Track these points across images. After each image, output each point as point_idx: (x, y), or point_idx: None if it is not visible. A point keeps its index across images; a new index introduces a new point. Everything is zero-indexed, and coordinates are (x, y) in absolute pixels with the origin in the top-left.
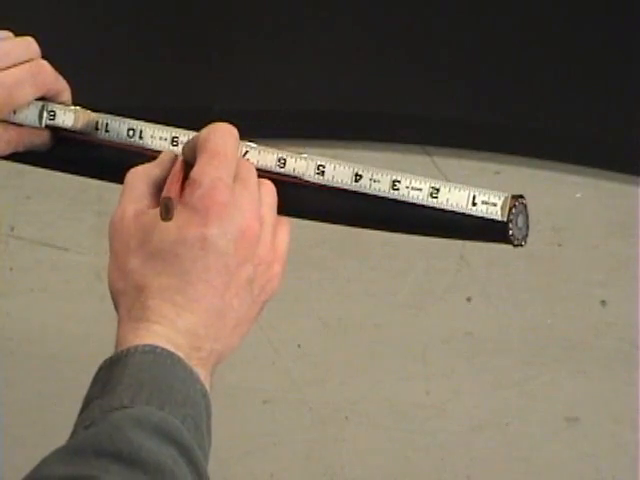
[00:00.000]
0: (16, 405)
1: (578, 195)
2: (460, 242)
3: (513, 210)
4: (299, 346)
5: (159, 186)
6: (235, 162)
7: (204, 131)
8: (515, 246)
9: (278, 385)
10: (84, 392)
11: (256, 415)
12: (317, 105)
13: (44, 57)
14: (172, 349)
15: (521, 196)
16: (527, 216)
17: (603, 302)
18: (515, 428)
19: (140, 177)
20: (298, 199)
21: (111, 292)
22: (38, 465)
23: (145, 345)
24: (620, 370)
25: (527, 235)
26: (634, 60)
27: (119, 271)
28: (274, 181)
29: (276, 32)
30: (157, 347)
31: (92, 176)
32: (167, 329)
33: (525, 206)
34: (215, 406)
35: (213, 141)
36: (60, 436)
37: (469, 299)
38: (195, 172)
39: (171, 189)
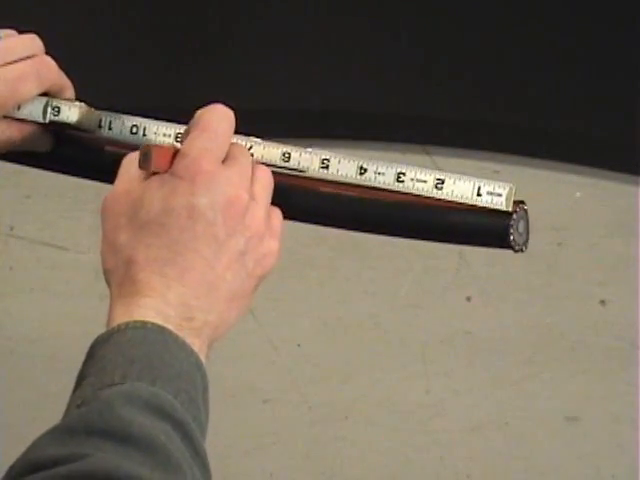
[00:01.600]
0: (16, 405)
1: (578, 194)
2: None
3: (514, 216)
4: (299, 346)
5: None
6: (227, 140)
7: (199, 111)
8: (516, 251)
9: (278, 384)
10: None
11: (256, 415)
12: (317, 105)
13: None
14: (162, 322)
15: (522, 202)
16: (528, 222)
17: (603, 301)
18: (515, 427)
19: (135, 161)
20: (298, 202)
21: (103, 272)
22: (30, 446)
23: (136, 321)
24: (620, 369)
25: (527, 241)
26: (634, 60)
27: (110, 248)
28: (276, 185)
29: (276, 32)
30: (148, 322)
31: (92, 178)
32: (157, 302)
33: (526, 212)
34: (215, 406)
35: (205, 118)
36: None
37: (469, 298)
38: (184, 145)
39: (156, 146)
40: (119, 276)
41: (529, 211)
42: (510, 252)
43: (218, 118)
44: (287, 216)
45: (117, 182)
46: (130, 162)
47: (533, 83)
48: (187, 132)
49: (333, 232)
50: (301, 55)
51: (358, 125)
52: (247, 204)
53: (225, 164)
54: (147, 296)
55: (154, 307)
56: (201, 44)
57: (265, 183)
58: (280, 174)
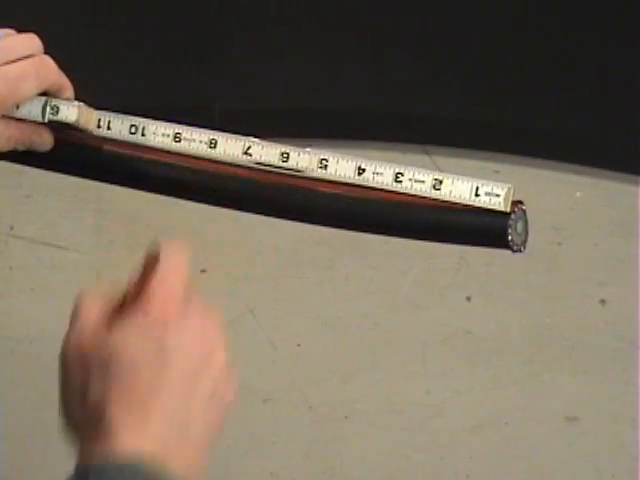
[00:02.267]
0: (16, 405)
1: (578, 194)
2: None
3: (512, 216)
4: (299, 345)
5: (114, 310)
6: (185, 286)
7: (158, 253)
8: (514, 252)
9: (278, 384)
10: None
11: (256, 414)
12: (317, 105)
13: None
14: (137, 462)
15: (520, 202)
16: (526, 222)
17: (603, 301)
18: (514, 427)
19: (94, 304)
20: (297, 203)
21: (66, 424)
22: None
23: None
24: (620, 369)
25: (526, 241)
26: (634, 60)
27: (75, 396)
28: (277, 183)
29: (276, 32)
30: (124, 465)
31: (92, 178)
32: (131, 442)
33: (524, 212)
34: None
35: (166, 264)
36: (60, 436)
37: (469, 298)
38: (146, 290)
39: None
40: (90, 421)
41: (529, 211)
42: (509, 252)
43: (176, 267)
44: (287, 216)
45: (76, 326)
46: (87, 306)
47: (533, 83)
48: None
49: (333, 232)
50: (301, 55)
51: (358, 125)
52: (213, 349)
53: (187, 306)
54: (121, 443)
55: (129, 447)
56: (201, 44)
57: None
58: (280, 174)
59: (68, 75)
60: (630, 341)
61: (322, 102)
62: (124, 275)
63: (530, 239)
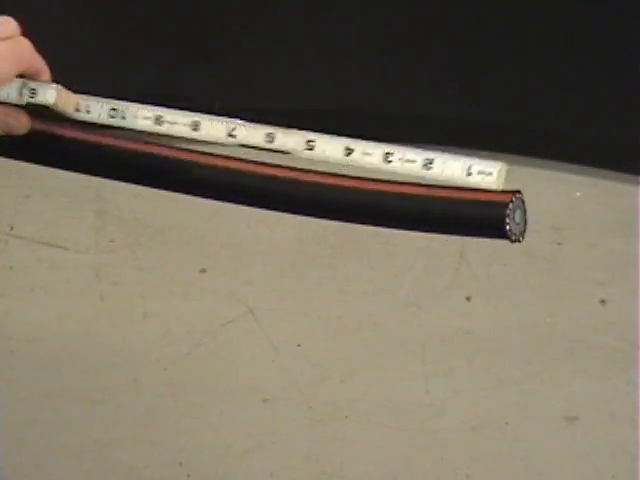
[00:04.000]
0: (16, 405)
1: (578, 194)
2: (460, 240)
3: (510, 205)
4: (299, 345)
5: None
6: None
7: None
8: (513, 242)
9: (278, 384)
10: (84, 391)
11: (256, 414)
12: (317, 105)
13: (44, 55)
14: None
15: (518, 191)
16: (525, 211)
17: (603, 301)
18: (514, 427)
19: None
20: (292, 195)
21: None
22: None
23: None
24: (620, 369)
25: (525, 231)
26: (634, 60)
27: None
28: (273, 176)
29: (276, 31)
30: None
31: (66, 168)
32: None
33: (523, 201)
34: (215, 405)
35: None
36: (60, 436)
37: (469, 298)
38: None
39: None
40: None
41: (529, 211)
42: (510, 250)
43: None
44: (285, 209)
45: None
46: None
47: (533, 83)
48: None
49: (333, 232)
50: (301, 55)
51: (358, 125)
52: None
53: None
54: None
55: None
56: (201, 44)
57: None
58: (280, 167)
59: (65, 75)
60: (630, 341)
61: (322, 102)
62: (124, 275)
63: (530, 239)
